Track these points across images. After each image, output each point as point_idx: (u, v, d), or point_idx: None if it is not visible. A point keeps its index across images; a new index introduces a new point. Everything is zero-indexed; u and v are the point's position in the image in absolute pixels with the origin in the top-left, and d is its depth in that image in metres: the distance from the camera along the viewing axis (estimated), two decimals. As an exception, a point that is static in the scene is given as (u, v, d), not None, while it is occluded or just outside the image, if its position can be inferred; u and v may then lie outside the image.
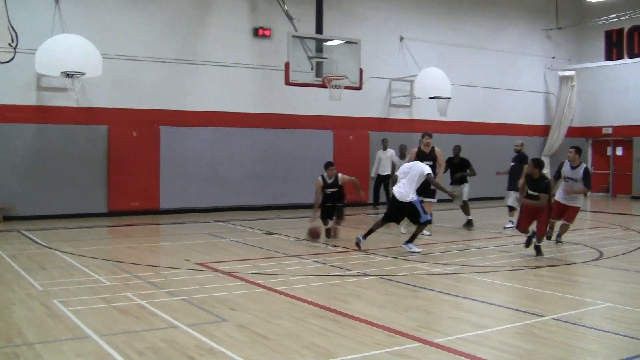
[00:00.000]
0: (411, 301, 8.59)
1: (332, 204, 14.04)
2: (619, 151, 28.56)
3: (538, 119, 28.05)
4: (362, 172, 21.68)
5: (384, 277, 10.10)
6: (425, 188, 13.76)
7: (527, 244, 12.29)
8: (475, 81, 25.30)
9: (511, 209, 16.22)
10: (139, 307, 7.97)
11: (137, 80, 18.88)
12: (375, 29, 22.69)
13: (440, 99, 21.45)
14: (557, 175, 13.46)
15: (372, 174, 21.03)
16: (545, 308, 8.20)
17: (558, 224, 13.66)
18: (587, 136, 29.37)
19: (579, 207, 13.57)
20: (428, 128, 22.86)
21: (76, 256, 11.75)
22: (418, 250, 12.42)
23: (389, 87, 23.28)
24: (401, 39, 23.46)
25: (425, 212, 12.52)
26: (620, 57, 27.80)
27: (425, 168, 12.72)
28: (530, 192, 11.88)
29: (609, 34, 28.25)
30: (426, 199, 14.18)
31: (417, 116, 23.72)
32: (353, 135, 22.27)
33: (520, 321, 7.56)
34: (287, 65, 17.53)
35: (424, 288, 9.34)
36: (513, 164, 16.30)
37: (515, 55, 26.90)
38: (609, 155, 28.89)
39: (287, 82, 17.74)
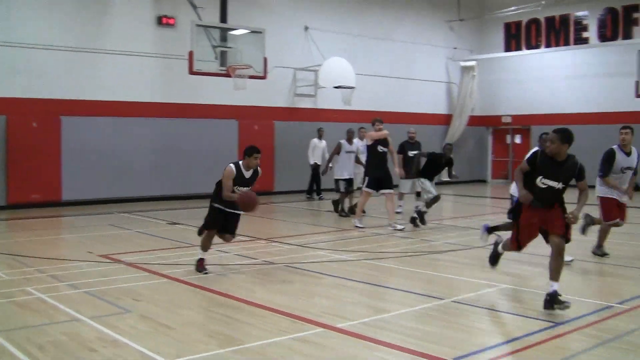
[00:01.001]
0: (315, 288, 8.72)
1: (232, 210, 9.61)
2: (518, 139, 29.50)
3: (440, 108, 28.64)
4: (268, 162, 21.76)
5: (288, 265, 10.19)
6: (386, 179, 14.10)
7: (494, 259, 9.04)
8: (379, 71, 25.64)
9: (401, 196, 16.95)
10: (39, 301, 7.82)
11: (37, 70, 18.32)
12: (280, 19, 22.71)
13: (345, 88, 21.70)
14: (608, 168, 10.49)
15: (311, 162, 20.94)
16: (445, 291, 8.46)
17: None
18: (487, 125, 30.23)
19: None
20: (333, 117, 23.27)
21: (-27, 250, 11.42)
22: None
23: (294, 77, 23.34)
24: (306, 28, 23.56)
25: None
26: (519, 49, 28.75)
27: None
28: (546, 183, 7.65)
29: (508, 26, 29.13)
30: (385, 190, 14.29)
31: (322, 105, 23.88)
32: (258, 125, 22.27)
33: (420, 304, 7.76)
34: (191, 54, 17.39)
35: (327, 275, 9.48)
36: (415, 152, 16.61)
37: (419, 45, 27.38)
38: (508, 143, 29.79)
39: (191, 72, 17.59)
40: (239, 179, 9.42)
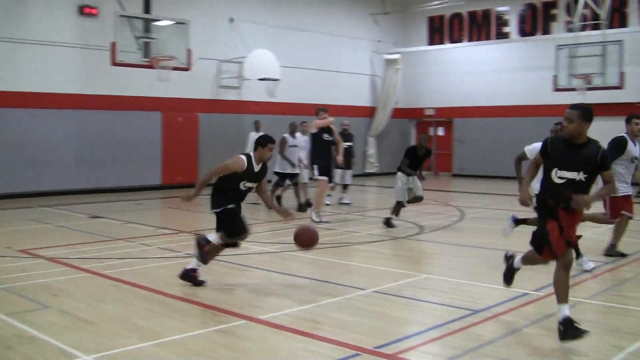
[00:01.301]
0: (238, 280, 8.72)
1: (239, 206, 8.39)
2: (441, 131, 29.99)
3: (364, 101, 28.88)
4: (191, 154, 21.64)
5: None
6: (326, 165, 14.09)
7: (510, 277, 7.37)
8: (304, 63, 25.67)
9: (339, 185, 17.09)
10: (-47, 297, 7.63)
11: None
12: (204, 10, 22.51)
13: (269, 80, 21.69)
14: (616, 157, 9.68)
15: None
16: (367, 281, 8.55)
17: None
18: (410, 117, 30.61)
19: None
20: (257, 109, 23.22)
21: None
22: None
23: (219, 69, 23.20)
24: (231, 20, 23.42)
25: None
26: (442, 42, 29.22)
27: None
28: (564, 176, 6.19)
29: (432, 20, 29.57)
30: (320, 177, 14.13)
31: (246, 97, 23.79)
32: (182, 117, 22.08)
33: (342, 295, 7.83)
34: (113, 45, 17.15)
35: (251, 267, 9.50)
36: (350, 144, 16.79)
37: (343, 38, 27.53)
38: (431, 135, 30.23)
39: (114, 63, 17.36)
40: (248, 174, 8.16)
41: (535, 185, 8.37)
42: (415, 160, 13.48)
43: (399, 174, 13.41)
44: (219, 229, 8.30)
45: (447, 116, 29.38)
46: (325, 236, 12.25)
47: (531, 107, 26.28)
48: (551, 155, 6.26)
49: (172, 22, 18.50)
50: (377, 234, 12.59)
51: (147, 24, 18.08)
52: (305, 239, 8.26)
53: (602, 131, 25.93)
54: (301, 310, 7.16)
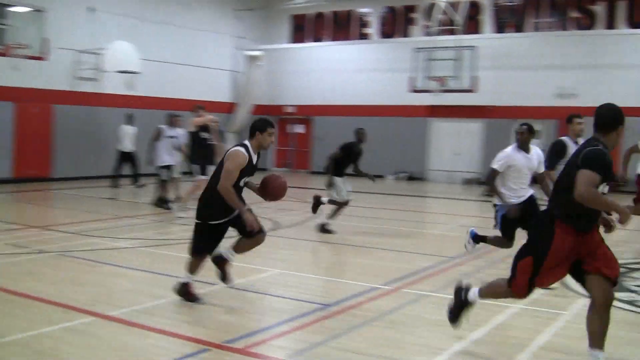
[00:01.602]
0: (88, 276, 8.56)
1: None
2: (300, 129, 30.32)
3: (225, 96, 28.81)
4: (45, 147, 20.97)
5: (61, 253, 9.91)
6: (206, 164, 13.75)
7: (458, 313, 6.01)
8: (165, 56, 25.29)
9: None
10: None
11: None
12: (62, -2, 21.85)
13: (129, 73, 21.29)
14: (556, 161, 8.80)
15: (122, 149, 19.62)
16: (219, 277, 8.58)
17: None
18: (271, 114, 30.71)
19: None
20: (116, 102, 22.74)
21: None
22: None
23: (77, 59, 22.51)
24: (91, 10, 22.73)
25: None
26: (305, 41, 29.55)
27: None
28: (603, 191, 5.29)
29: (295, 18, 29.83)
30: (201, 177, 13.63)
31: (105, 90, 23.21)
32: (36, 108, 21.30)
33: (195, 290, 7.80)
34: (-39, 31, 16.41)
35: (102, 262, 9.32)
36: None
37: (206, 33, 27.34)
38: (291, 132, 30.52)
39: (-38, 50, 16.62)
40: (248, 167, 7.10)
41: (509, 198, 8.49)
42: (350, 159, 12.46)
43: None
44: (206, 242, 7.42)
45: (307, 114, 29.75)
46: (179, 232, 12.19)
47: (389, 107, 27.04)
48: (607, 169, 5.08)
49: (28, 9, 17.86)
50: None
51: (1, 9, 17.38)
52: (276, 188, 7.43)
53: (455, 132, 27.14)
54: (152, 306, 7.13)
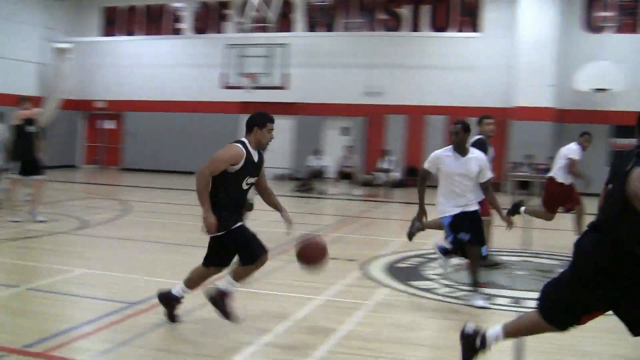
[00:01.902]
0: None
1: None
2: (111, 125, 29.56)
3: (30, 90, 27.49)
4: None
5: None
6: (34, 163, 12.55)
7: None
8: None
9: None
10: None
11: None
12: None
13: None
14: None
15: None
16: (21, 279, 8.24)
17: None
18: (81, 109, 29.77)
19: None
20: None
21: None
22: None
23: None
24: None
25: None
26: (116, 34, 28.82)
27: None
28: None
29: (106, 10, 29.04)
30: (35, 177, 12.57)
31: None
32: None
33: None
34: None
35: None
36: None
37: (11, 23, 25.99)
38: (101, 128, 29.72)
39: None
40: (249, 166, 6.28)
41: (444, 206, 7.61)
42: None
43: None
44: (224, 259, 6.44)
45: (118, 109, 29.06)
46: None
47: (201, 103, 26.97)
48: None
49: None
50: (35, 229, 12.04)
51: None
52: (313, 253, 6.41)
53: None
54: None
